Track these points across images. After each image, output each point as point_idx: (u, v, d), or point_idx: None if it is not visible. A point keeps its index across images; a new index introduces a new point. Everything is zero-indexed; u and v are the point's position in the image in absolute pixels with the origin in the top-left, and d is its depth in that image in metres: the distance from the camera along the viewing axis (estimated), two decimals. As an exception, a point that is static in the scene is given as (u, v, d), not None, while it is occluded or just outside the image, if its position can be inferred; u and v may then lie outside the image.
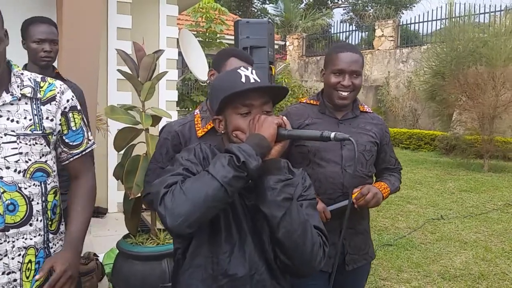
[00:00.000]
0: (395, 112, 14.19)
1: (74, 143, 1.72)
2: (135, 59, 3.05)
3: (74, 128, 1.70)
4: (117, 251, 3.19)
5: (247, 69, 1.43)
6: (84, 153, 1.75)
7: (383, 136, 2.29)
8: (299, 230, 1.34)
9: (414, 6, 26.39)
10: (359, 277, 2.31)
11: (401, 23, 15.96)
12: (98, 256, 3.58)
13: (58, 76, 2.86)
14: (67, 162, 1.72)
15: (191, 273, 1.43)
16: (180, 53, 7.67)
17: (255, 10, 27.62)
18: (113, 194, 5.44)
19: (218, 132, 1.49)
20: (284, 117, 1.40)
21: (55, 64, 2.96)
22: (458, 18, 11.83)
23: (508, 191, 7.66)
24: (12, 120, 1.54)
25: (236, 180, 1.27)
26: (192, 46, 8.45)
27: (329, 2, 28.30)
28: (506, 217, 6.13)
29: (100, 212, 5.28)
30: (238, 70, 1.43)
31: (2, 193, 1.51)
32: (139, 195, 2.94)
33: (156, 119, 3.07)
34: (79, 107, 1.73)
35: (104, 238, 4.54)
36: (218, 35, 11.08)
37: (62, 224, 1.76)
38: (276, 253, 1.40)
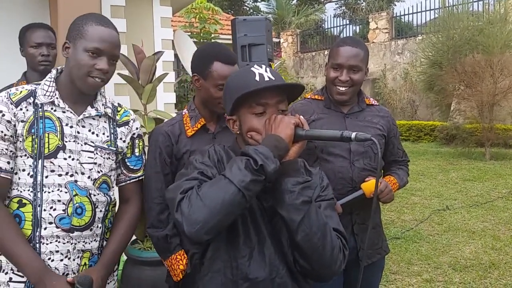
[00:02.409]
0: (393, 104, 14.15)
1: (135, 168, 1.85)
2: (134, 62, 3.01)
3: (137, 154, 1.85)
4: (125, 257, 3.16)
5: (261, 67, 1.38)
6: (139, 178, 1.87)
7: (390, 129, 2.26)
8: (318, 234, 1.30)
9: (406, -3, 26.36)
10: (374, 273, 2.28)
11: (395, 15, 15.93)
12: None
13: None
14: (123, 184, 1.84)
15: (210, 278, 1.39)
16: (175, 55, 7.62)
17: (247, 9, 27.57)
18: (117, 200, 5.39)
19: (233, 132, 1.44)
20: (301, 117, 1.36)
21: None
22: (452, 7, 11.78)
23: (511, 178, 7.64)
24: (93, 133, 1.68)
25: (254, 184, 1.23)
26: (187, 47, 8.38)
27: (321, -3, 28.26)
28: (512, 205, 6.11)
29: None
30: (252, 69, 1.39)
31: (74, 195, 1.62)
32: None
33: (159, 122, 3.02)
34: (143, 137, 1.90)
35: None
36: (212, 35, 11.03)
37: None
38: (295, 256, 1.36)
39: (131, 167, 1.83)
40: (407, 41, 14.55)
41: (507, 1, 11.54)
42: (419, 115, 13.92)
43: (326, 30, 19.13)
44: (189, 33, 10.32)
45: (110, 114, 1.74)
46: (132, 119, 1.82)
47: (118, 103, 1.84)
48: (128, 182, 1.84)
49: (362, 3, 24.58)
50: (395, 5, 25.74)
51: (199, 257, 1.43)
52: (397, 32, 15.51)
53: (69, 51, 1.63)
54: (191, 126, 2.00)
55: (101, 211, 1.70)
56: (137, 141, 1.84)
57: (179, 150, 1.97)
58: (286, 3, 23.64)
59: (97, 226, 1.70)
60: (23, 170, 1.58)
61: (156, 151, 1.98)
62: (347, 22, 19.93)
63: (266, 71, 1.37)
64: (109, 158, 1.72)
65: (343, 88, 2.10)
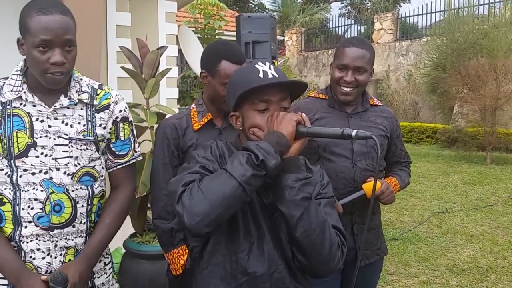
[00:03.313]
0: (395, 105, 14.13)
1: (120, 153, 1.74)
2: (137, 56, 3.01)
3: (122, 138, 1.74)
4: (123, 250, 3.16)
5: (265, 64, 1.40)
6: (128, 163, 1.77)
7: (393, 130, 2.26)
8: (317, 230, 1.31)
9: (412, -1, 26.33)
10: (372, 274, 2.28)
11: (400, 16, 15.89)
12: (104, 256, 3.55)
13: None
14: (110, 170, 1.75)
15: (209, 271, 1.41)
16: (179, 50, 7.62)
17: (252, 6, 27.53)
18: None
19: (235, 128, 1.45)
20: (303, 114, 1.37)
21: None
22: (457, 10, 11.75)
23: (512, 183, 7.64)
24: (67, 124, 1.58)
25: (255, 179, 1.24)
26: (191, 42, 8.39)
27: (326, -4, 28.21)
28: (511, 209, 6.10)
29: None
30: (256, 65, 1.40)
31: (51, 193, 1.56)
32: (145, 193, 2.91)
33: (161, 117, 3.03)
34: (130, 119, 1.77)
35: (109, 238, 4.50)
36: (217, 31, 11.03)
37: None
38: (293, 252, 1.37)
39: (117, 152, 1.74)
40: (411, 43, 14.52)
41: (512, 5, 11.52)
42: (422, 117, 13.90)
43: (331, 29, 19.08)
44: (194, 29, 10.31)
45: (86, 101, 1.62)
46: (113, 102, 1.69)
47: (100, 85, 1.71)
48: (115, 168, 1.75)
49: (368, 3, 24.52)
50: (401, 6, 25.70)
51: (199, 250, 1.44)
52: (401, 33, 15.48)
53: (24, 48, 1.53)
54: (198, 120, 2.02)
55: (83, 206, 1.63)
56: (121, 124, 1.72)
57: (185, 143, 1.99)
58: (291, 1, 23.60)
59: (81, 222, 1.63)
60: (1, 169, 1.55)
61: (164, 143, 2.01)
62: (352, 22, 19.88)
63: (270, 68, 1.39)
64: (87, 149, 1.62)
65: (348, 89, 2.10)
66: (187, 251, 1.97)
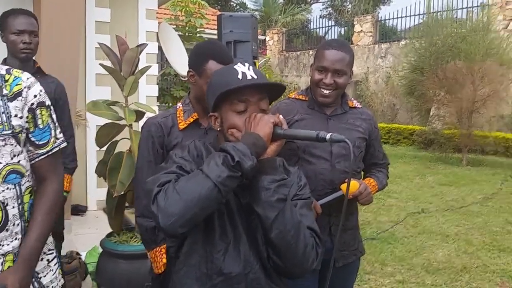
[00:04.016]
0: (374, 107, 14.29)
1: (40, 142, 1.56)
2: (116, 53, 2.98)
3: (41, 126, 1.55)
4: (100, 249, 3.13)
5: (244, 65, 1.41)
6: (51, 152, 1.59)
7: (371, 131, 2.28)
8: (292, 231, 1.32)
9: (392, 2, 26.63)
10: (349, 274, 2.30)
11: (380, 19, 16.07)
12: (81, 255, 3.51)
13: (39, 71, 2.78)
14: (32, 162, 1.56)
15: (185, 272, 1.41)
16: (159, 48, 7.56)
17: (234, 4, 27.49)
18: (93, 192, 5.33)
19: (213, 128, 1.46)
20: (281, 116, 1.38)
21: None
22: (436, 13, 11.94)
23: (487, 184, 7.80)
24: None
25: (230, 180, 1.25)
26: (172, 40, 8.33)
27: (308, -3, 28.35)
28: (486, 210, 6.23)
29: (79, 210, 5.18)
30: (235, 67, 1.41)
31: None
32: (123, 192, 2.88)
33: (139, 115, 3.00)
34: (47, 103, 1.58)
35: (85, 236, 4.45)
36: (198, 29, 10.97)
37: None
38: (268, 253, 1.38)
39: (37, 142, 1.55)
40: (390, 45, 14.70)
41: (490, 10, 11.75)
42: (399, 118, 14.09)
43: (312, 30, 19.23)
44: (175, 26, 10.24)
45: None
46: (25, 87, 1.50)
47: (7, 69, 1.51)
48: (38, 159, 1.56)
49: (348, 5, 24.73)
50: (381, 8, 25.99)
51: (174, 251, 1.44)
52: (381, 36, 15.67)
53: None
54: (183, 120, 2.01)
55: (13, 207, 1.48)
56: (38, 111, 1.53)
57: (170, 142, 1.98)
58: (273, 1, 23.65)
59: (14, 224, 1.49)
60: None
61: (148, 141, 2.00)
62: (333, 24, 20.05)
63: (249, 69, 1.40)
64: (5, 144, 1.44)
65: (327, 91, 2.11)
66: None
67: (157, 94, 6.65)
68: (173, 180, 1.28)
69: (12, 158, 1.47)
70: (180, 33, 10.23)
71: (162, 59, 10.90)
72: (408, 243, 4.90)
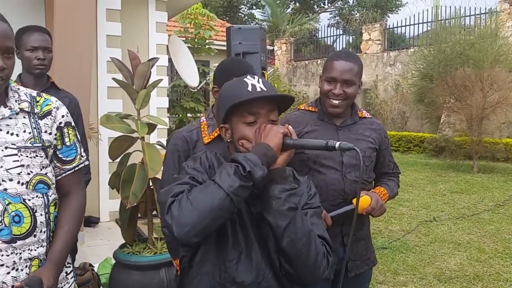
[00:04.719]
0: (383, 115, 14.27)
1: (67, 159, 1.72)
2: (128, 67, 3.04)
3: (68, 144, 1.71)
4: (113, 260, 3.16)
5: (254, 78, 1.45)
6: (76, 169, 1.74)
7: (382, 141, 2.29)
8: (303, 240, 1.34)
9: (399, 10, 26.67)
10: (361, 284, 2.31)
11: (388, 27, 16.08)
12: (93, 266, 3.54)
13: (53, 86, 2.83)
14: (59, 177, 1.71)
15: (198, 281, 1.43)
16: (169, 60, 7.64)
17: (242, 16, 27.68)
18: (105, 203, 5.40)
19: (224, 140, 1.49)
20: (290, 126, 1.41)
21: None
22: (444, 21, 11.94)
23: (498, 191, 7.74)
24: (12, 134, 1.56)
25: (242, 190, 1.28)
26: (181, 52, 8.43)
27: (315, 6, 28.47)
28: (498, 218, 6.19)
29: (92, 222, 5.23)
30: (245, 79, 1.45)
31: (8, 204, 1.52)
32: (136, 204, 2.92)
33: (151, 127, 3.05)
34: (73, 124, 1.74)
35: (98, 248, 4.50)
36: (207, 41, 11.07)
37: None
38: (280, 261, 1.40)
39: (64, 158, 1.70)
40: (399, 53, 14.69)
41: (498, 16, 11.73)
42: (409, 126, 14.04)
43: (320, 39, 19.26)
44: (184, 39, 10.35)
45: (27, 109, 1.61)
46: (54, 107, 1.67)
47: (38, 92, 1.69)
48: (64, 174, 1.71)
49: (356, 14, 24.78)
50: (389, 17, 26.03)
51: (188, 260, 1.46)
52: (389, 43, 15.66)
53: None
54: (208, 134, 2.06)
55: (41, 214, 1.60)
56: (65, 129, 1.70)
57: None
58: (281, 11, 23.79)
59: (41, 231, 1.60)
60: None
61: (174, 154, 2.05)
62: (341, 32, 20.09)
63: (258, 82, 1.44)
64: (36, 156, 1.59)
65: (337, 101, 2.13)
66: None
67: (167, 106, 6.72)
68: (186, 190, 1.31)
69: (41, 169, 1.61)
70: (189, 45, 10.34)
71: (172, 71, 11.01)
72: (420, 252, 4.88)
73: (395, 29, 16.05)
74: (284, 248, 1.34)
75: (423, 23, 14.52)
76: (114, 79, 3.07)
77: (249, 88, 1.41)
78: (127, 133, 2.96)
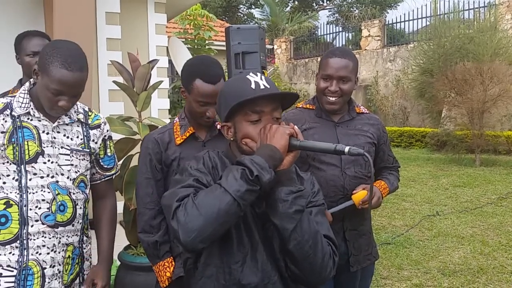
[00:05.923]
0: (385, 111, 14.27)
1: (108, 166, 2.03)
2: (129, 69, 3.06)
3: (109, 154, 2.02)
4: (117, 262, 3.18)
5: (257, 75, 1.40)
6: (114, 176, 2.07)
7: (380, 136, 2.31)
8: (310, 242, 1.32)
9: (398, 5, 26.64)
10: (363, 278, 2.32)
11: (387, 23, 16.08)
12: (99, 268, 3.56)
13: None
14: (98, 182, 2.02)
15: (203, 283, 1.41)
16: (170, 61, 7.66)
17: (242, 15, 27.68)
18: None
19: (227, 138, 1.47)
20: (296, 127, 1.37)
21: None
22: (443, 15, 11.93)
23: (501, 184, 7.75)
24: (68, 137, 1.85)
25: (249, 194, 1.25)
26: (181, 53, 8.45)
27: (314, 4, 28.46)
28: (501, 210, 6.19)
29: (96, 224, 5.25)
30: (247, 76, 1.40)
31: (57, 195, 1.79)
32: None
33: (152, 129, 3.07)
34: (113, 138, 2.08)
35: (103, 250, 4.51)
36: (206, 42, 11.08)
37: (89, 231, 2.02)
38: (286, 262, 1.38)
39: (105, 166, 2.02)
40: (399, 49, 14.69)
41: (497, 10, 11.72)
42: (411, 121, 14.04)
43: (319, 37, 19.25)
44: (184, 40, 10.37)
45: (82, 120, 1.91)
46: (103, 122, 1.99)
47: (89, 108, 1.99)
48: (103, 180, 2.03)
49: (355, 10, 24.76)
50: (388, 12, 26.00)
51: (192, 262, 1.44)
52: (389, 39, 15.66)
53: (38, 78, 1.76)
54: (180, 135, 2.05)
55: (80, 207, 1.88)
56: (108, 142, 2.01)
57: (168, 157, 2.03)
58: (280, 10, 23.78)
59: (78, 222, 1.87)
60: (8, 175, 1.74)
61: (146, 158, 2.05)
62: (340, 29, 20.07)
63: (261, 79, 1.39)
64: (84, 159, 1.89)
65: (333, 98, 2.15)
66: (173, 263, 2.01)
67: (168, 107, 6.74)
68: (191, 194, 1.28)
69: (85, 171, 1.91)
70: (189, 46, 10.35)
71: (172, 73, 11.03)
72: (423, 247, 4.89)
73: (394, 24, 16.05)
74: (291, 250, 1.32)
75: (422, 18, 14.52)
76: (115, 82, 3.09)
77: (253, 86, 1.37)
78: (129, 135, 2.98)
